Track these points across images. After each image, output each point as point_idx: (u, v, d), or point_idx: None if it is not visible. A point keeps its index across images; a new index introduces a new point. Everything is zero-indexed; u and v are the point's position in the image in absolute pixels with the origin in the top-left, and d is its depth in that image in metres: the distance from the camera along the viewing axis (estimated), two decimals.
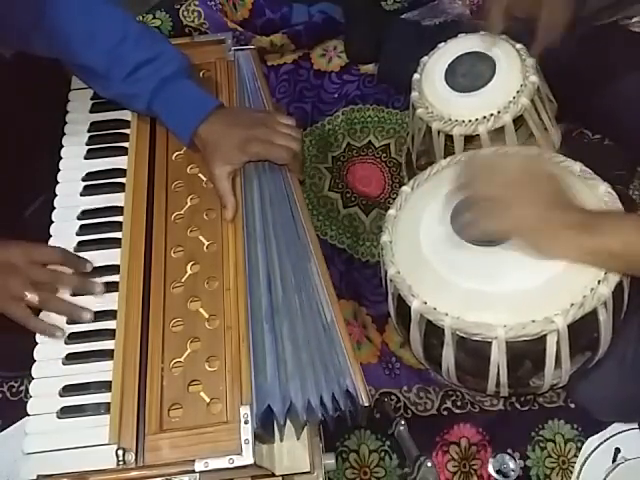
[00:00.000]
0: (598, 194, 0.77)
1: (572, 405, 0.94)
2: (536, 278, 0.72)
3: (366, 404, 0.71)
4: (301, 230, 0.83)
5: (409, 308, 0.76)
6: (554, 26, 0.87)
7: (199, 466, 0.65)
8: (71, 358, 0.75)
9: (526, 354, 0.75)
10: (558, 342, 0.72)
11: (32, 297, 0.75)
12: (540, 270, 0.72)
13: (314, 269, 0.80)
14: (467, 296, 0.73)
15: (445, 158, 0.89)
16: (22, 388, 1.03)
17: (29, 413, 0.72)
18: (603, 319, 0.73)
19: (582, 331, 0.73)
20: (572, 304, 0.70)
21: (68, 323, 0.77)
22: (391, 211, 0.85)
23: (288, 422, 0.73)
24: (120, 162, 0.89)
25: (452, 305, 0.73)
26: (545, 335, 0.71)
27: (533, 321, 0.70)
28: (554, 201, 0.70)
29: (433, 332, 0.77)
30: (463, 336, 0.73)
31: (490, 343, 0.72)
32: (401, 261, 0.80)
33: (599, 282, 0.71)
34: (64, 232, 0.84)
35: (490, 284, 0.73)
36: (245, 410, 0.68)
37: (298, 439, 0.75)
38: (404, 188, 0.87)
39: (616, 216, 0.72)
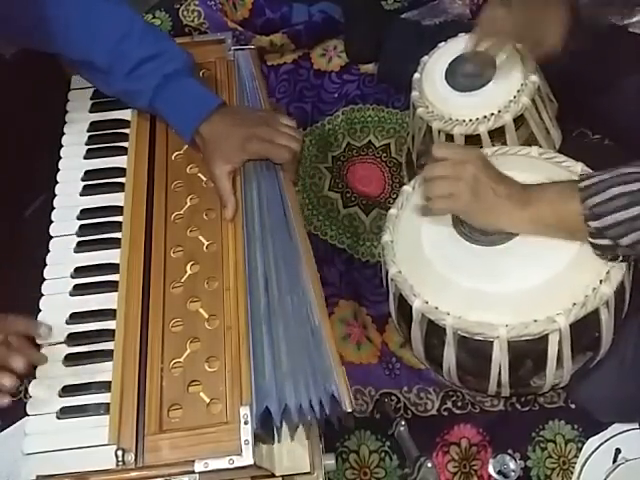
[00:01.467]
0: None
1: (572, 405, 0.94)
2: (538, 277, 0.72)
3: (349, 410, 0.70)
4: (293, 232, 0.83)
5: (410, 308, 0.76)
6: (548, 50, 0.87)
7: (199, 467, 0.65)
8: (71, 358, 0.75)
9: (528, 354, 0.74)
10: (560, 342, 0.71)
11: None
12: (542, 270, 0.72)
13: (304, 271, 0.79)
14: (469, 296, 0.73)
15: None
16: (22, 388, 1.02)
17: (29, 413, 0.73)
18: (605, 319, 0.72)
19: (584, 331, 0.73)
20: (574, 304, 0.70)
21: (67, 323, 0.77)
22: (392, 211, 0.85)
23: (284, 424, 0.73)
24: (120, 162, 0.89)
25: (454, 305, 0.73)
26: (547, 335, 0.71)
27: (535, 321, 0.70)
28: (482, 175, 0.74)
29: (434, 332, 0.77)
30: (465, 336, 0.73)
31: (492, 343, 0.72)
32: (402, 261, 0.79)
33: (601, 282, 0.70)
34: (64, 232, 0.84)
35: (492, 284, 0.73)
36: (245, 411, 0.68)
37: (292, 440, 0.75)
38: (405, 187, 0.87)
39: (543, 185, 0.74)
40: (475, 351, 0.75)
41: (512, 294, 0.72)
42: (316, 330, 0.75)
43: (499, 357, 0.74)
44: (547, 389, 0.81)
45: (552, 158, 0.83)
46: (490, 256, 0.74)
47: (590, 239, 0.69)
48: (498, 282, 0.73)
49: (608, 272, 0.71)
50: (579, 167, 0.81)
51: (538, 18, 0.86)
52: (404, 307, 0.79)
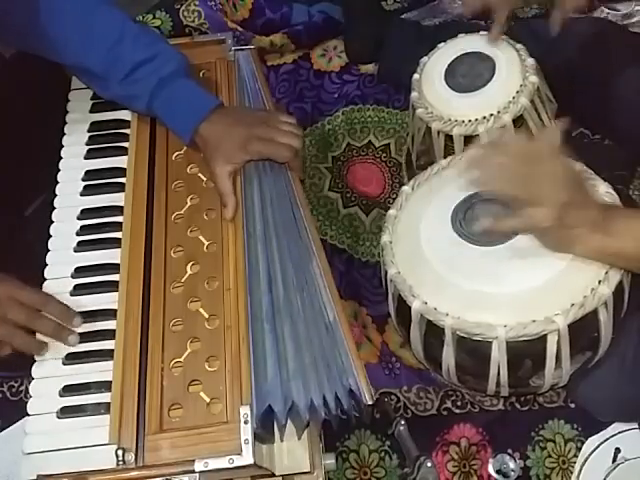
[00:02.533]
0: (598, 194, 0.77)
1: (572, 405, 0.94)
2: (536, 278, 0.72)
3: (370, 403, 0.71)
4: (302, 230, 0.83)
5: (409, 308, 0.76)
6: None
7: (199, 466, 0.65)
8: (71, 358, 0.75)
9: (526, 354, 0.75)
10: (559, 342, 0.72)
11: None
12: (540, 270, 0.72)
13: (316, 269, 0.80)
14: (467, 296, 0.73)
15: (445, 158, 0.89)
16: (22, 388, 1.03)
17: (29, 413, 0.72)
18: (604, 319, 0.73)
19: (583, 331, 0.73)
20: (573, 304, 0.70)
21: None
22: (391, 211, 0.85)
23: (289, 422, 0.73)
24: (120, 162, 0.89)
25: (453, 305, 0.73)
26: (546, 335, 0.71)
27: (534, 321, 0.70)
28: (574, 197, 0.68)
29: (433, 332, 0.77)
30: (463, 336, 0.73)
31: (490, 343, 0.72)
32: (401, 261, 0.80)
33: (600, 282, 0.71)
34: (64, 232, 0.84)
35: (491, 284, 0.73)
36: (245, 410, 0.68)
37: (299, 439, 0.75)
38: (404, 188, 0.87)
39: (629, 216, 0.71)
40: (474, 351, 0.75)
41: (511, 294, 0.72)
42: (330, 326, 0.75)
43: (498, 357, 0.74)
44: (546, 389, 0.81)
45: None
46: (489, 257, 0.74)
47: None
48: (497, 283, 0.73)
49: (607, 272, 0.71)
50: (578, 167, 0.80)
51: None
52: (403, 308, 0.79)
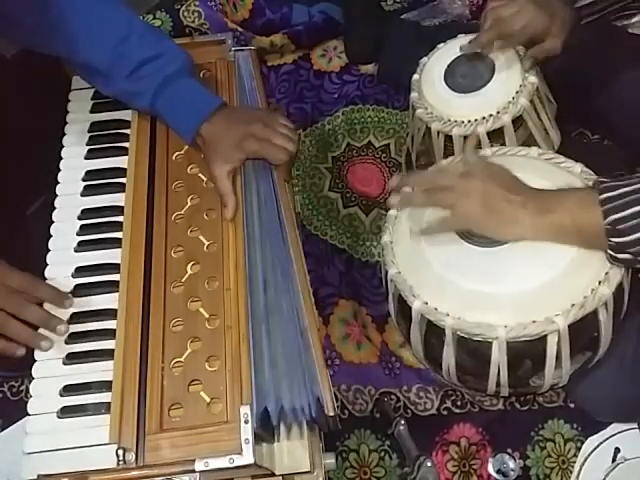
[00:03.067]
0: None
1: (572, 405, 0.94)
2: (537, 278, 0.72)
3: (331, 414, 0.70)
4: (285, 233, 0.83)
5: (410, 308, 0.76)
6: (550, 52, 0.90)
7: (199, 466, 0.65)
8: (71, 358, 0.75)
9: (527, 354, 0.75)
10: (559, 342, 0.72)
11: None
12: (541, 270, 0.72)
13: (295, 272, 0.79)
14: (468, 296, 0.73)
15: (445, 158, 0.89)
16: (22, 388, 1.03)
17: (29, 413, 0.73)
18: (604, 319, 0.73)
19: (583, 331, 0.73)
20: (573, 304, 0.70)
21: (68, 323, 0.77)
22: (392, 211, 0.85)
23: (282, 423, 0.73)
24: (120, 162, 0.89)
25: (453, 305, 0.73)
26: (546, 335, 0.71)
27: (534, 321, 0.70)
28: (496, 186, 0.72)
29: (434, 332, 0.77)
30: (464, 336, 0.73)
31: (491, 343, 0.72)
32: (402, 261, 0.80)
33: (600, 282, 0.71)
34: (64, 232, 0.84)
35: (491, 284, 0.73)
36: (245, 410, 0.68)
37: (289, 440, 0.75)
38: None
39: (561, 193, 0.73)
40: (474, 351, 0.75)
41: (511, 295, 0.72)
42: (304, 332, 0.75)
43: (498, 357, 0.74)
44: (546, 389, 0.81)
45: (551, 159, 0.83)
46: (489, 257, 0.74)
47: (610, 252, 0.68)
48: (497, 283, 0.73)
49: (607, 273, 0.71)
50: (578, 167, 0.81)
51: (542, 17, 0.87)
52: (404, 308, 0.79)
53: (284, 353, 0.73)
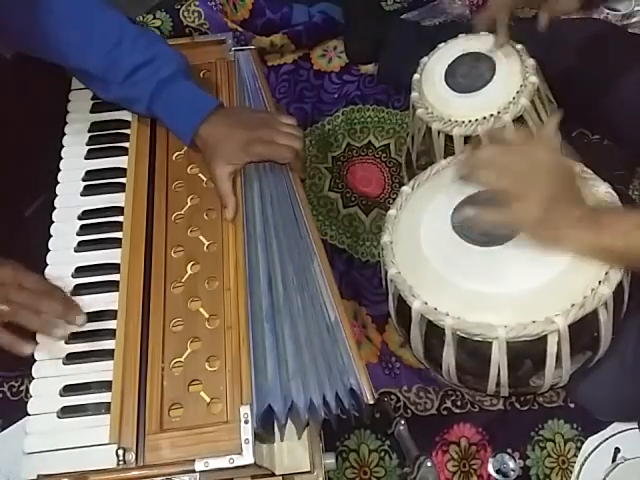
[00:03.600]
0: (598, 194, 0.77)
1: (572, 405, 0.94)
2: (537, 278, 0.72)
3: (371, 402, 0.71)
4: (303, 230, 0.83)
5: (410, 308, 0.76)
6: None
7: (199, 466, 0.65)
8: (71, 358, 0.75)
9: (527, 354, 0.75)
10: (559, 342, 0.72)
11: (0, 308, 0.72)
12: (541, 270, 0.72)
13: (317, 269, 0.80)
14: (468, 296, 0.73)
15: (445, 158, 0.89)
16: (22, 388, 1.03)
17: (29, 413, 0.72)
18: (604, 319, 0.73)
19: (583, 331, 0.73)
20: (573, 304, 0.70)
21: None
22: (391, 211, 0.85)
23: (289, 422, 0.73)
24: (120, 162, 0.89)
25: (453, 305, 0.73)
26: (546, 335, 0.71)
27: (534, 321, 0.70)
28: (561, 195, 0.69)
29: (434, 332, 0.77)
30: (464, 336, 0.73)
31: (491, 343, 0.72)
32: (402, 261, 0.80)
33: (600, 282, 0.71)
34: (64, 232, 0.84)
35: (491, 284, 0.73)
36: (245, 410, 0.68)
37: (299, 438, 0.75)
38: (404, 188, 0.87)
39: (618, 213, 0.72)
40: (474, 351, 0.75)
41: (511, 295, 0.72)
42: (331, 326, 0.75)
43: (498, 357, 0.74)
44: (546, 389, 0.81)
45: None
46: (489, 257, 0.74)
47: None
48: (497, 283, 0.73)
49: (607, 273, 0.71)
50: (577, 167, 0.81)
51: None
52: (403, 308, 0.79)
53: (297, 350, 0.73)
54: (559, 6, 0.86)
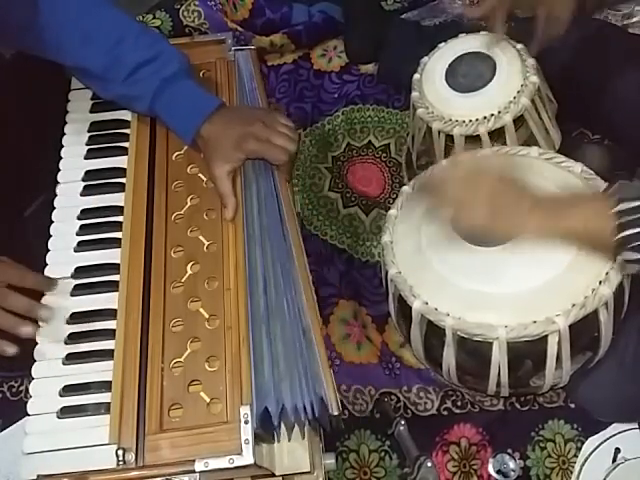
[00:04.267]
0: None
1: (572, 405, 0.94)
2: (537, 279, 0.72)
3: (335, 413, 0.70)
4: (287, 233, 0.83)
5: (410, 308, 0.76)
6: (555, 23, 0.87)
7: (199, 466, 0.65)
8: (71, 358, 0.75)
9: (527, 354, 0.75)
10: (559, 342, 0.72)
11: None
12: (541, 271, 0.72)
13: (296, 272, 0.79)
14: (468, 296, 0.73)
15: (445, 158, 0.89)
16: (22, 388, 1.03)
17: (29, 413, 0.72)
18: (604, 319, 0.73)
19: (583, 331, 0.73)
20: (573, 304, 0.70)
21: (68, 323, 0.77)
22: (392, 211, 0.85)
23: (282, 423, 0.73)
24: (120, 162, 0.89)
25: (453, 305, 0.73)
26: (546, 336, 0.71)
27: (534, 322, 0.70)
28: (503, 192, 0.72)
29: (434, 332, 0.77)
30: (464, 336, 0.73)
31: (491, 343, 0.72)
32: (402, 261, 0.80)
33: (600, 282, 0.70)
34: (64, 232, 0.84)
35: (491, 284, 0.73)
36: (245, 410, 0.68)
37: (289, 440, 0.75)
38: (405, 188, 0.87)
39: (576, 197, 0.73)
40: (474, 352, 0.75)
41: (511, 295, 0.72)
42: (307, 331, 0.75)
43: (498, 358, 0.74)
44: (546, 389, 0.81)
45: (552, 159, 0.83)
46: (490, 257, 0.74)
47: (617, 259, 0.68)
48: (498, 283, 0.73)
49: (607, 273, 0.71)
50: (579, 167, 0.81)
51: None
52: (404, 308, 0.79)
53: (285, 353, 0.73)
54: (549, 29, 0.88)
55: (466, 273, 0.74)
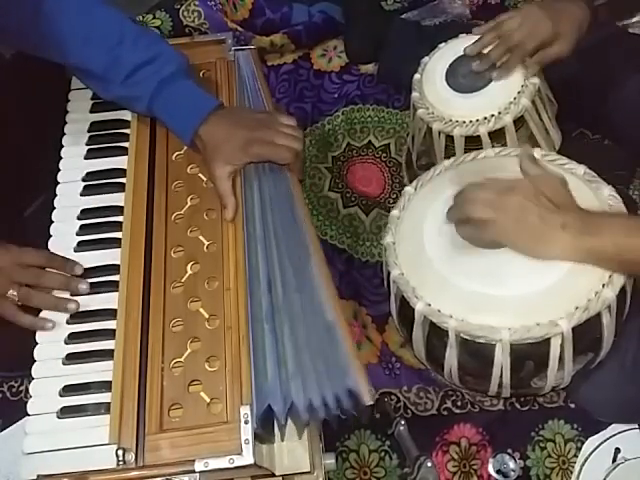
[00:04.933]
0: (602, 197, 0.77)
1: (572, 405, 0.94)
2: (541, 281, 0.71)
3: (369, 403, 0.70)
4: (302, 230, 0.83)
5: (413, 310, 0.76)
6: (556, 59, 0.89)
7: (199, 466, 0.65)
8: (71, 358, 0.75)
9: (529, 356, 0.74)
10: (562, 345, 0.71)
11: (12, 294, 0.76)
12: (545, 273, 0.71)
13: (315, 269, 0.79)
14: (471, 298, 0.73)
15: (446, 158, 0.89)
16: (22, 388, 1.03)
17: (29, 413, 0.72)
18: (607, 321, 0.72)
19: (586, 333, 0.73)
20: (577, 307, 0.70)
21: (68, 323, 0.77)
22: (394, 212, 0.85)
23: (290, 422, 0.73)
24: (120, 162, 0.89)
25: (456, 307, 0.73)
26: (549, 338, 0.71)
27: (538, 324, 0.70)
28: (535, 204, 0.70)
29: (436, 334, 0.77)
30: (467, 338, 0.73)
31: (494, 345, 0.72)
32: (405, 262, 0.79)
33: (604, 286, 0.70)
34: (64, 232, 0.84)
35: (495, 286, 0.73)
36: (245, 410, 0.68)
37: (300, 439, 0.75)
38: (407, 189, 0.87)
39: (607, 217, 0.72)
40: (477, 353, 0.75)
41: (515, 297, 0.72)
42: (330, 326, 0.75)
43: (501, 359, 0.73)
44: (548, 390, 0.81)
45: (554, 160, 0.82)
46: (493, 258, 0.74)
47: None
48: (501, 285, 0.73)
49: (610, 276, 0.71)
50: (581, 169, 0.80)
51: (547, 22, 0.86)
52: (406, 309, 0.79)
53: (296, 350, 0.73)
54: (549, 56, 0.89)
55: (469, 275, 0.74)
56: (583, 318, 0.70)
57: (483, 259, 0.74)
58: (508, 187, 0.71)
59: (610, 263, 0.70)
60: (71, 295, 0.78)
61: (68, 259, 0.80)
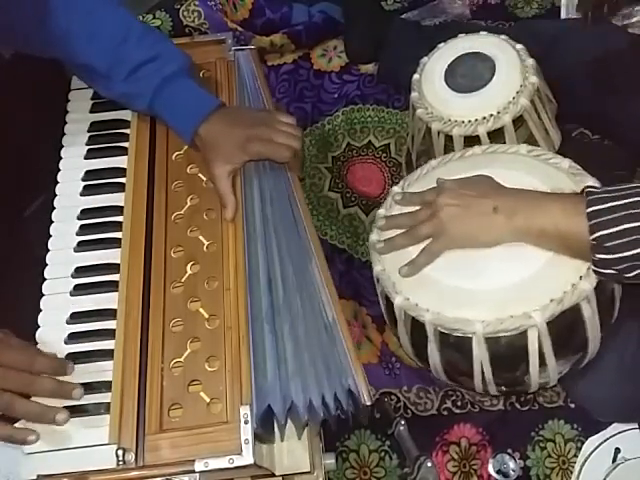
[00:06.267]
0: None
1: (572, 405, 0.94)
2: (517, 274, 0.72)
3: (368, 403, 0.71)
4: (302, 229, 0.83)
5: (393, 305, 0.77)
6: None
7: (199, 466, 0.65)
8: (71, 358, 0.75)
9: (509, 351, 0.74)
10: (540, 338, 0.72)
11: None
12: (521, 266, 0.72)
13: (315, 269, 0.80)
14: (448, 292, 0.74)
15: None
16: None
17: None
18: (588, 316, 0.72)
19: (566, 328, 0.73)
20: (552, 299, 0.70)
21: (68, 323, 0.77)
22: (380, 210, 0.87)
23: (289, 422, 0.73)
24: (120, 162, 0.89)
25: (433, 301, 0.74)
26: (525, 331, 0.71)
27: (511, 316, 0.70)
28: (471, 194, 0.74)
29: (417, 329, 0.77)
30: (444, 332, 0.74)
31: (471, 339, 0.73)
32: (386, 259, 0.81)
33: (581, 278, 0.70)
34: (64, 232, 0.84)
35: (472, 280, 0.73)
36: (245, 410, 0.68)
37: (299, 439, 0.75)
38: (394, 188, 0.88)
39: (548, 196, 0.73)
40: (456, 348, 0.76)
41: (491, 291, 0.72)
42: (329, 326, 0.75)
43: (479, 354, 0.74)
44: (535, 388, 0.81)
45: (540, 155, 0.83)
46: (471, 253, 0.75)
47: (594, 267, 0.68)
48: (478, 279, 0.73)
49: (589, 268, 0.70)
50: (566, 163, 0.80)
51: None
52: (389, 305, 0.80)
53: (296, 350, 0.73)
54: None
55: (447, 269, 0.75)
56: (558, 310, 0.70)
57: (461, 253, 0.75)
58: (430, 199, 0.77)
59: (551, 243, 0.71)
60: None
61: (57, 358, 0.72)
